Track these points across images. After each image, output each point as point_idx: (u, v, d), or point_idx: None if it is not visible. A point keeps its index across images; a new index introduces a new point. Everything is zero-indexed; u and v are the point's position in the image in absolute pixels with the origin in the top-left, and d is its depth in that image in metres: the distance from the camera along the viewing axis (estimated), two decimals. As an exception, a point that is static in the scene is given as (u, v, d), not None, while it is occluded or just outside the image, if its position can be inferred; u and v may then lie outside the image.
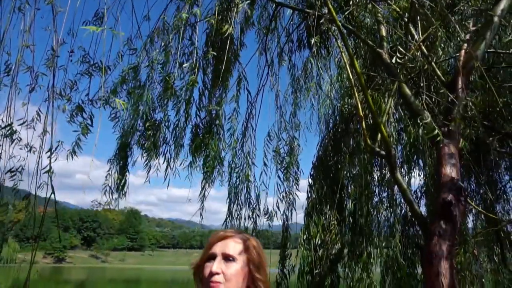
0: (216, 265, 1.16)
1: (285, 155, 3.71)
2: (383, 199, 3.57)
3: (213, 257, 1.18)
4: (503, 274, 4.03)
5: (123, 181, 3.66)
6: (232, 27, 3.48)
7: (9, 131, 2.83)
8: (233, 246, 1.20)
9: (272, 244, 4.16)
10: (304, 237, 3.56)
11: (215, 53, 3.53)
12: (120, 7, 3.31)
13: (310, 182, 3.85)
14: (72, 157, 3.01)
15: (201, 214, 3.87)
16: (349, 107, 3.95)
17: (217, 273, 1.15)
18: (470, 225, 4.79)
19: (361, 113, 2.37)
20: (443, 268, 1.70)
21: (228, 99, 3.79)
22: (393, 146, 2.63)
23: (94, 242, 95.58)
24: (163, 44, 3.41)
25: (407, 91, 2.30)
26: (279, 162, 3.66)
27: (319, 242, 3.54)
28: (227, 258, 1.18)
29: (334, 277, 3.45)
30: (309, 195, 3.74)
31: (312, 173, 3.90)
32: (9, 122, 2.87)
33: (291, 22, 4.28)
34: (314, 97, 4.53)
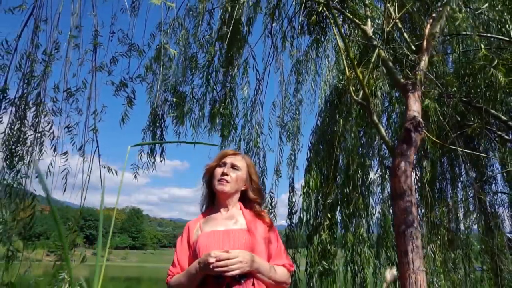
0: (227, 169, 1.60)
1: (288, 121, 4.40)
2: (368, 153, 4.27)
3: (224, 164, 1.62)
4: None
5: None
6: (242, 13, 4.16)
7: (68, 94, 3.52)
8: (240, 160, 1.66)
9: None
10: (304, 190, 4.22)
11: (228, 31, 4.19)
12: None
13: (309, 146, 4.52)
14: (121, 125, 3.70)
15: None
16: (342, 82, 4.62)
17: (226, 175, 1.59)
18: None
19: (348, 74, 3.04)
20: (403, 177, 2.36)
21: (240, 74, 4.46)
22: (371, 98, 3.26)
23: (96, 241, 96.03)
24: (186, 28, 4.07)
25: (383, 53, 2.96)
26: (282, 126, 4.33)
27: (318, 194, 4.22)
28: (234, 167, 1.62)
29: (332, 221, 4.11)
30: (309, 155, 4.41)
31: (311, 138, 4.58)
32: (67, 87, 3.56)
33: (294, 10, 4.95)
34: (313, 78, 5.23)
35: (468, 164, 4.78)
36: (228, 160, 1.63)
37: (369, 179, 4.13)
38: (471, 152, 3.42)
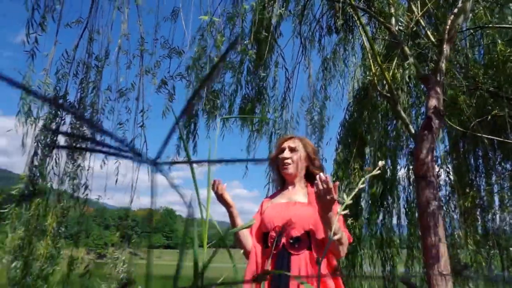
0: (286, 153, 1.73)
1: (315, 115, 4.68)
2: (395, 146, 4.48)
3: (283, 150, 1.75)
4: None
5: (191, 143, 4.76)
6: (273, 16, 4.48)
7: (120, 93, 4.00)
8: (296, 141, 1.78)
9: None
10: (333, 179, 4.48)
11: (259, 36, 4.53)
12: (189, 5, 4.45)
13: (338, 138, 4.77)
14: (163, 117, 4.14)
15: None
16: (369, 78, 4.83)
17: (287, 158, 1.72)
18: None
19: (374, 70, 3.28)
20: (425, 160, 2.58)
21: (271, 73, 4.79)
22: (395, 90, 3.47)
23: (132, 240, 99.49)
24: (220, 30, 4.45)
25: (407, 49, 3.18)
26: (310, 120, 4.62)
27: (346, 183, 4.46)
28: (292, 149, 1.74)
29: (358, 211, 4.35)
30: (337, 147, 4.66)
31: (339, 131, 4.82)
32: (118, 89, 4.05)
33: (321, 11, 5.21)
34: (342, 74, 5.47)
35: (499, 154, 4.85)
36: (286, 144, 1.77)
37: (396, 171, 4.33)
38: (497, 138, 3.55)
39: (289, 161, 1.72)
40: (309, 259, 1.51)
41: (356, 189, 1.37)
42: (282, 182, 1.81)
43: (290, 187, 1.75)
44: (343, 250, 1.52)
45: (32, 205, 3.74)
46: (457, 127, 3.42)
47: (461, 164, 4.85)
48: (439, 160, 4.95)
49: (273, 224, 1.61)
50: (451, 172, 4.92)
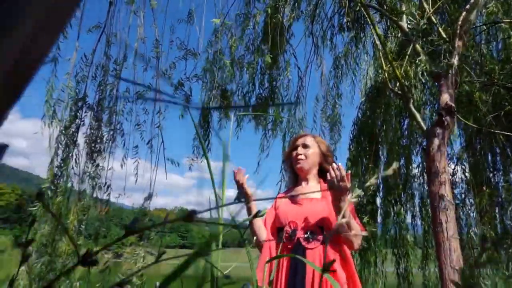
0: (299, 150, 1.79)
1: (328, 114, 4.72)
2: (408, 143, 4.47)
3: (296, 148, 1.81)
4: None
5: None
6: (284, 16, 4.55)
7: (139, 95, 4.14)
8: (309, 139, 1.84)
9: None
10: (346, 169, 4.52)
11: (271, 37, 4.61)
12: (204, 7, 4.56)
13: (351, 137, 4.79)
14: (180, 117, 4.28)
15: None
16: (381, 76, 4.83)
17: (300, 154, 1.79)
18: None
19: (385, 68, 3.30)
20: (437, 156, 2.59)
21: (283, 73, 4.85)
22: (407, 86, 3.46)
23: (148, 240, 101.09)
24: (233, 33, 4.54)
25: (418, 47, 3.19)
26: (324, 118, 4.66)
27: (359, 180, 4.48)
28: (306, 146, 1.80)
29: (374, 206, 4.37)
30: (350, 145, 4.68)
31: (352, 130, 4.84)
32: (138, 90, 4.20)
33: (333, 10, 5.24)
34: (354, 72, 5.48)
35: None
36: (299, 142, 1.83)
37: (410, 168, 4.33)
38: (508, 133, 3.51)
39: (302, 157, 1.77)
40: (323, 254, 1.54)
41: (368, 183, 1.44)
42: (295, 179, 1.86)
43: (303, 184, 1.79)
44: (356, 240, 1.54)
45: (55, 204, 3.91)
46: (472, 124, 3.41)
47: (478, 161, 4.80)
48: (454, 157, 4.92)
49: (288, 219, 1.66)
50: (467, 169, 4.88)
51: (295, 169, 1.82)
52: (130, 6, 4.42)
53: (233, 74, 4.63)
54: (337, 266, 1.53)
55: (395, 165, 1.12)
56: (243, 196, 1.68)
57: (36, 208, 3.53)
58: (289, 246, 1.60)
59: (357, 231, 1.54)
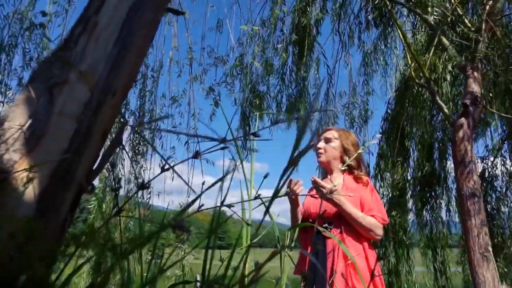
0: (319, 144, 1.87)
1: (360, 109, 4.82)
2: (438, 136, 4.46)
3: (319, 142, 1.89)
4: None
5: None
6: (311, 17, 4.69)
7: (173, 100, 4.46)
8: (331, 132, 1.89)
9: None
10: (375, 172, 4.57)
11: (298, 38, 4.76)
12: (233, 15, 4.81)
13: (381, 131, 4.84)
14: (209, 120, 4.56)
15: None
16: (409, 70, 4.84)
17: (320, 148, 1.87)
18: None
19: (410, 61, 3.36)
20: (463, 146, 2.63)
21: (312, 72, 4.99)
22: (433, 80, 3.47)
23: (187, 241, 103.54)
24: (262, 36, 4.74)
25: (445, 40, 3.22)
26: (347, 114, 4.78)
27: (388, 175, 4.53)
28: (328, 140, 1.86)
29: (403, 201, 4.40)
30: (380, 140, 4.73)
31: (382, 125, 4.89)
32: (172, 95, 4.52)
33: (360, 6, 5.30)
34: (384, 68, 5.50)
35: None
36: (322, 136, 1.90)
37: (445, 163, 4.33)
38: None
39: (321, 150, 1.86)
40: (344, 243, 1.64)
41: (359, 151, 1.63)
42: (325, 172, 1.96)
43: (329, 175, 1.89)
44: (373, 229, 1.65)
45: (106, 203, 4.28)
46: (505, 115, 3.37)
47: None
48: (494, 149, 4.82)
49: (309, 211, 1.79)
50: (507, 161, 4.76)
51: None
52: (165, 17, 4.75)
53: (264, 75, 4.83)
54: (357, 256, 1.62)
55: (378, 136, 1.26)
56: (292, 204, 1.77)
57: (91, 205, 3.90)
58: (310, 236, 1.72)
59: (369, 224, 1.64)
